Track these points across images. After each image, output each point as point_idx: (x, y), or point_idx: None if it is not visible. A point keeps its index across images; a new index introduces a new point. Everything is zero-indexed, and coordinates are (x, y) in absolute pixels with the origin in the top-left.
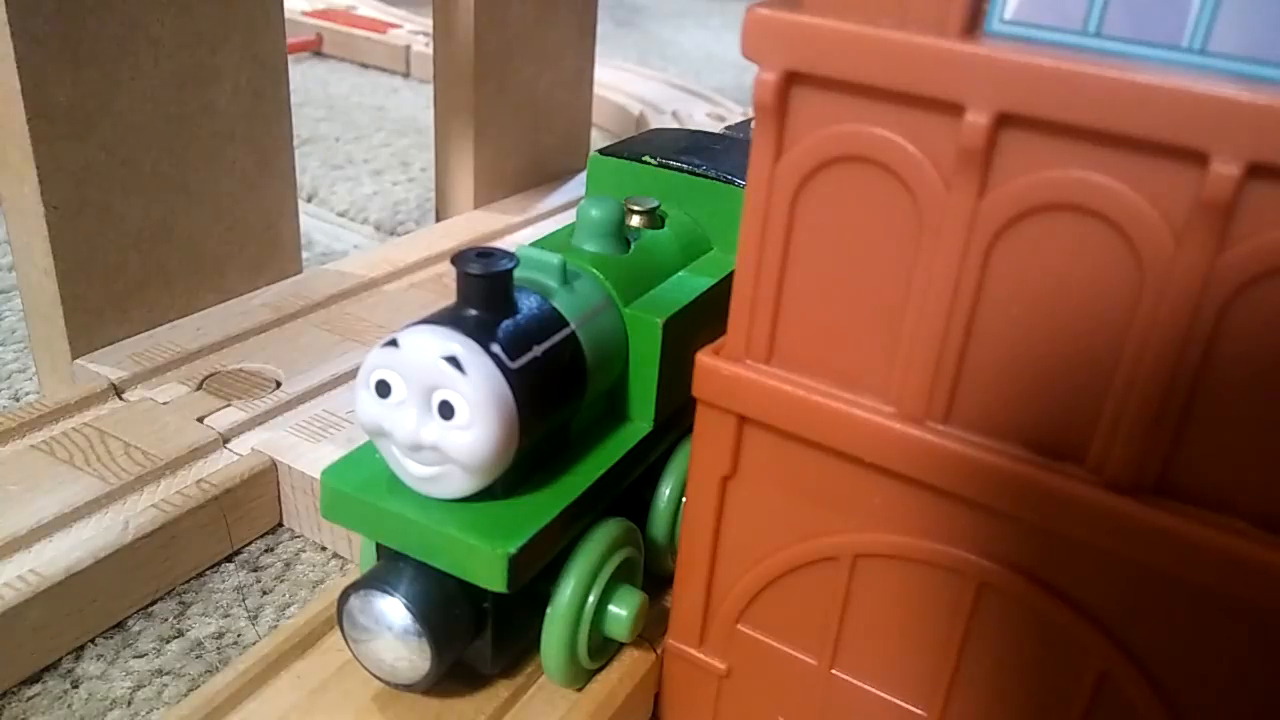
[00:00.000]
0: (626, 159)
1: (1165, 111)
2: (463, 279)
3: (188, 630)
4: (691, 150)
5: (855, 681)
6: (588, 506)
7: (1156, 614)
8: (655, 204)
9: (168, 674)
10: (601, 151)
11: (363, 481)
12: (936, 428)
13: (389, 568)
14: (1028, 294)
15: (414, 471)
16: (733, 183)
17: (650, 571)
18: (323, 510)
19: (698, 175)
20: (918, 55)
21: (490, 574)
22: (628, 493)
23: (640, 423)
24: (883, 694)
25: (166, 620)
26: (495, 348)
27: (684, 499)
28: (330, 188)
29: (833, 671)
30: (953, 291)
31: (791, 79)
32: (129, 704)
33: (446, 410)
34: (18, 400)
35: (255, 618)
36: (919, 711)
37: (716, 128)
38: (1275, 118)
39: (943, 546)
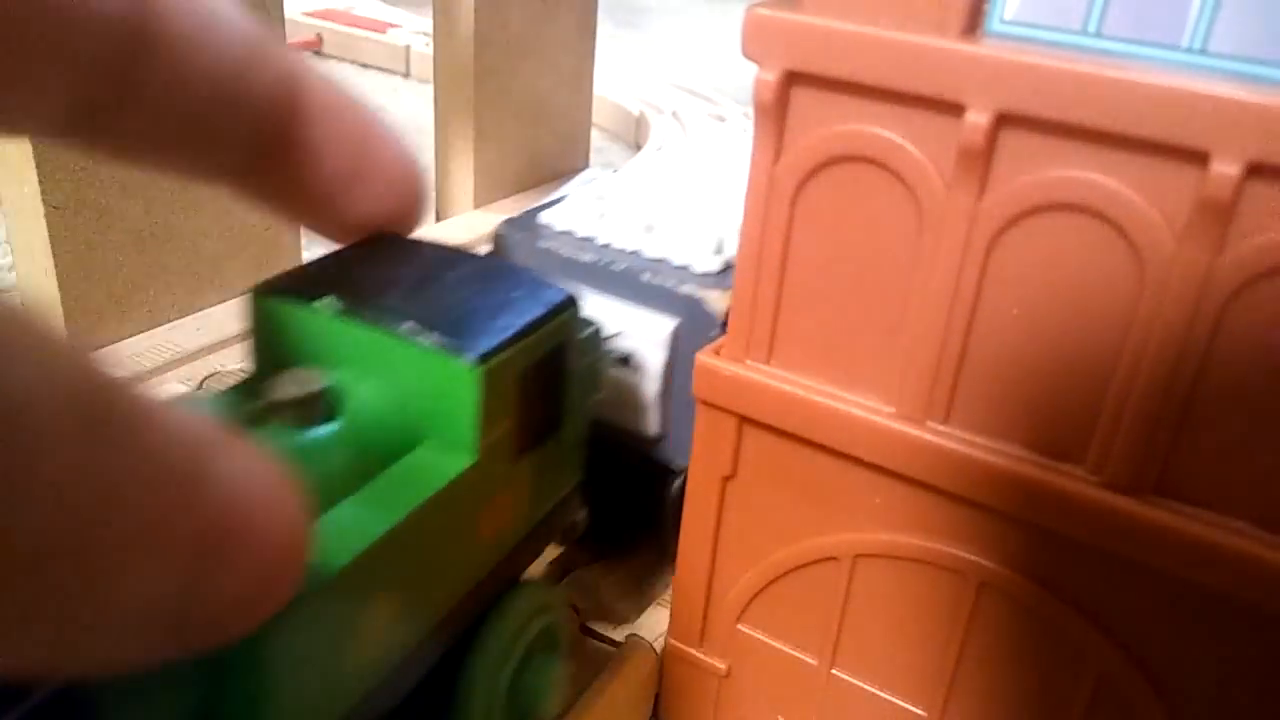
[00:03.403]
0: (291, 302)
1: (1165, 111)
2: None
3: None
4: (404, 284)
5: (855, 681)
6: None
7: (1156, 614)
8: (318, 386)
9: None
10: (261, 287)
11: None
12: (936, 428)
13: None
14: (1028, 294)
15: None
16: (446, 348)
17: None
18: None
19: (396, 336)
20: (918, 55)
21: None
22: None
23: None
24: (883, 694)
25: None
26: None
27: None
28: None
29: (833, 671)
30: (953, 292)
31: (791, 79)
32: None
33: None
34: None
35: None
36: (919, 711)
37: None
38: (1275, 118)
39: (943, 546)
